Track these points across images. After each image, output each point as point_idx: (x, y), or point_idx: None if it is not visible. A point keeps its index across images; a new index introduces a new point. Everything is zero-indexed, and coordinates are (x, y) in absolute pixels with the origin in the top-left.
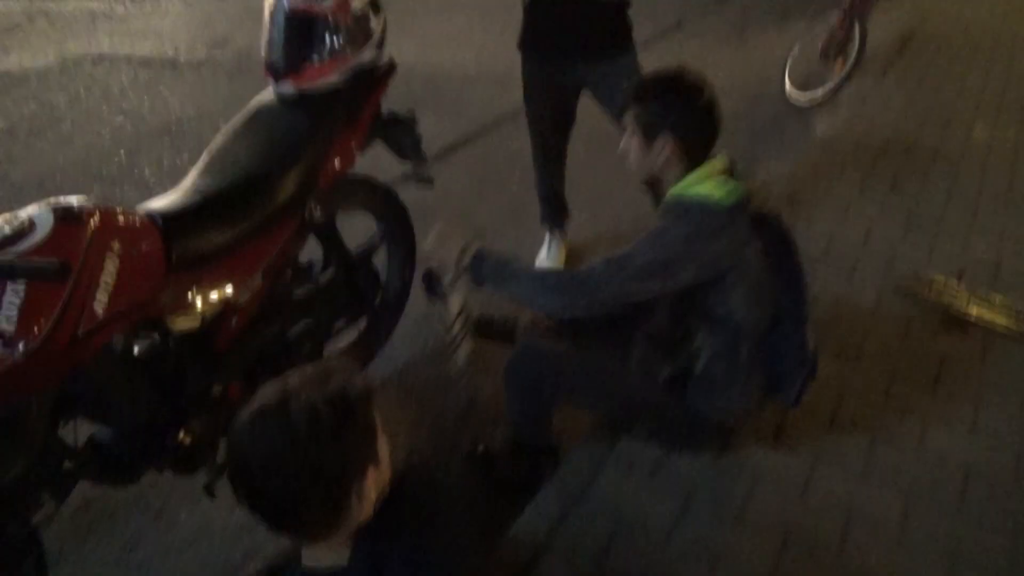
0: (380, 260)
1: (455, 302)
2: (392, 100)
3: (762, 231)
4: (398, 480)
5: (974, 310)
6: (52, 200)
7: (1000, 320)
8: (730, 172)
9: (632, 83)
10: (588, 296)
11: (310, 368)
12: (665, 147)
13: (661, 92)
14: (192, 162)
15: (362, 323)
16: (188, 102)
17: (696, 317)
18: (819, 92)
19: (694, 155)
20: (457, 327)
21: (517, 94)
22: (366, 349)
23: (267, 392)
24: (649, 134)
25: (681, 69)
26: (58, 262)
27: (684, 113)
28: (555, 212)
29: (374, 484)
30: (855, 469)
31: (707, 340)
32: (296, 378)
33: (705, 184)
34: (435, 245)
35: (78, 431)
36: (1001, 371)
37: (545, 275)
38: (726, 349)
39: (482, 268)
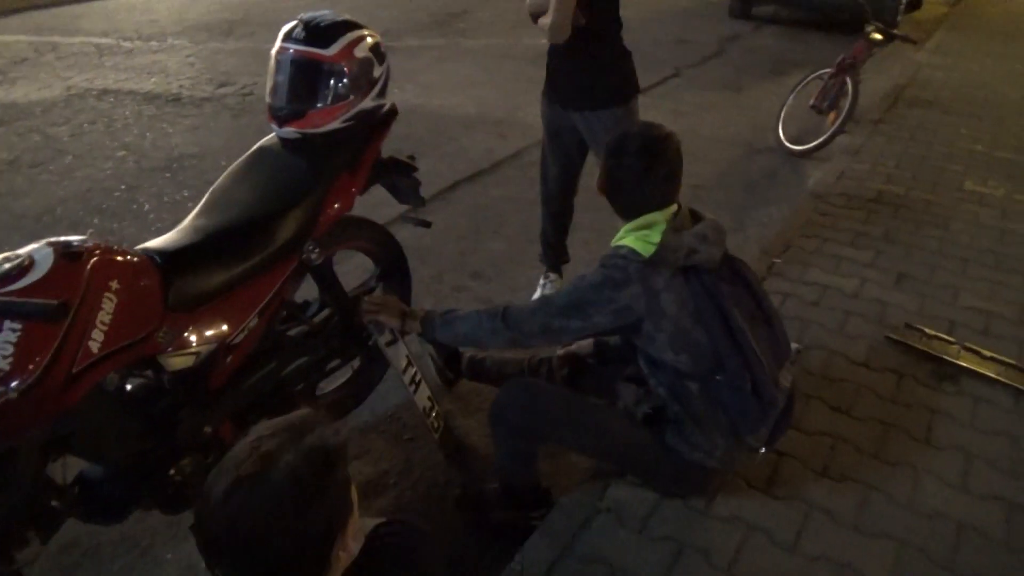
0: None
1: (399, 356)
2: (393, 142)
3: (693, 281)
4: (377, 528)
5: (965, 362)
6: (52, 239)
7: (991, 372)
8: (675, 221)
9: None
10: (518, 328)
11: (279, 423)
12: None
13: (607, 148)
14: (192, 198)
15: (355, 363)
16: (190, 139)
17: (642, 360)
18: (812, 144)
19: (620, 208)
20: (408, 375)
21: (514, 140)
22: (359, 389)
23: (239, 457)
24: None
25: (646, 129)
26: (56, 303)
27: (610, 170)
28: (553, 256)
29: (352, 534)
30: (847, 521)
31: (654, 381)
32: (268, 437)
33: (629, 237)
34: (371, 310)
35: (66, 468)
36: (992, 424)
37: (484, 312)
38: (674, 389)
39: (432, 324)
